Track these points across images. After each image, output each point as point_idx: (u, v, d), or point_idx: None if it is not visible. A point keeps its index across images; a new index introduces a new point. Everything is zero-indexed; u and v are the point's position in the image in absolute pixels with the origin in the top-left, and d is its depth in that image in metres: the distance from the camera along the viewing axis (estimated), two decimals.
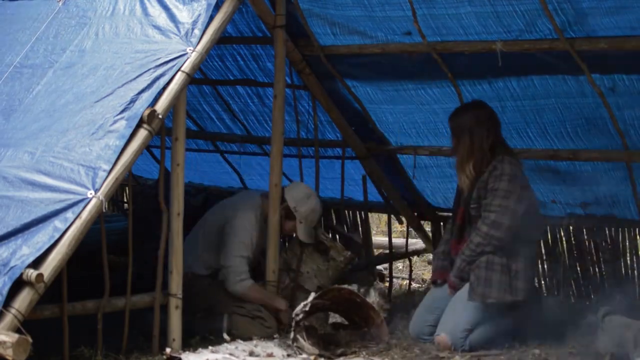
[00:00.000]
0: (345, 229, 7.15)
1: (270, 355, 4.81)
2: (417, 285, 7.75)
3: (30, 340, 3.89)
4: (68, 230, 4.20)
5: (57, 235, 4.17)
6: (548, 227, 6.30)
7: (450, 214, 5.70)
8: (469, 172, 5.16)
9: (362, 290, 5.63)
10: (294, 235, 5.80)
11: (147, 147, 5.74)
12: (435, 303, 5.32)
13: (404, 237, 7.75)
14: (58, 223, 4.20)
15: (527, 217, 5.05)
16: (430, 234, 7.34)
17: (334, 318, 5.57)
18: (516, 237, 5.03)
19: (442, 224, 7.00)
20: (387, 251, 7.36)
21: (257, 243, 5.60)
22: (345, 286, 5.33)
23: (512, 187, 5.01)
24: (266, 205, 5.65)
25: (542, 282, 6.56)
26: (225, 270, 5.49)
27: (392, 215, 7.35)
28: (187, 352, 4.71)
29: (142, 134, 4.54)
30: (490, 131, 5.18)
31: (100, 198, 4.30)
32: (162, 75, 4.70)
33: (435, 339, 5.13)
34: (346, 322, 5.45)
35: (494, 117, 5.27)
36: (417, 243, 7.96)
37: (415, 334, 5.34)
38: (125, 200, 8.98)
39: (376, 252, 7.87)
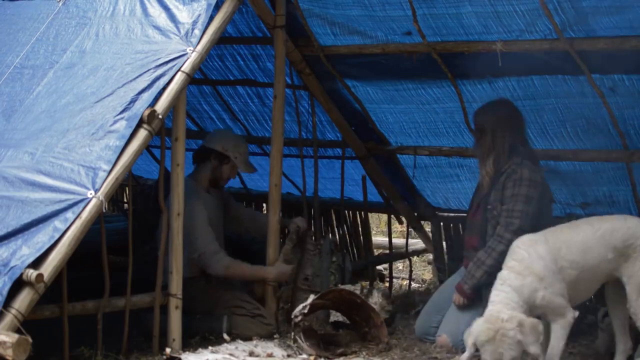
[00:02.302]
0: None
1: (270, 355, 4.81)
2: (417, 285, 7.75)
3: (30, 340, 3.89)
4: (68, 230, 4.20)
5: (57, 236, 4.17)
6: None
7: (450, 214, 5.74)
8: (489, 169, 5.17)
9: (365, 290, 5.62)
10: (290, 243, 5.77)
11: (147, 147, 5.74)
12: (443, 304, 5.29)
13: (404, 237, 7.76)
14: (58, 223, 4.21)
15: (543, 219, 5.00)
16: (430, 234, 7.33)
17: (336, 317, 5.57)
18: None
19: (442, 224, 7.00)
20: (387, 251, 7.37)
21: (213, 217, 5.60)
22: (347, 287, 5.33)
23: (533, 193, 4.98)
24: (199, 179, 5.67)
25: None
26: (201, 258, 5.43)
27: (392, 215, 7.36)
28: (187, 352, 4.72)
29: (142, 134, 4.54)
30: (511, 130, 5.18)
31: (100, 198, 4.30)
32: (162, 75, 4.70)
33: (436, 340, 5.13)
34: (347, 322, 5.45)
35: (517, 116, 5.27)
36: (417, 243, 7.97)
37: (421, 334, 5.32)
38: (125, 200, 8.98)
39: (376, 252, 7.88)
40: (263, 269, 5.58)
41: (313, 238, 5.91)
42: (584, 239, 4.34)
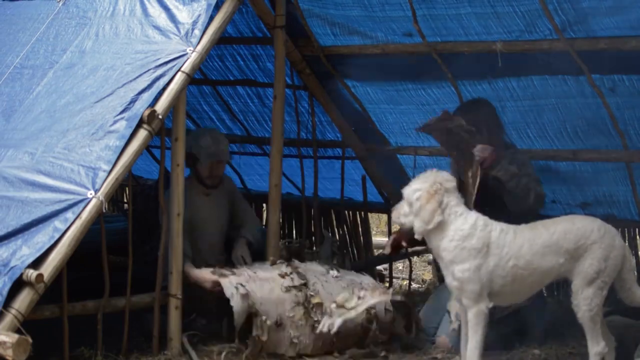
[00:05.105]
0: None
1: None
2: (417, 285, 7.75)
3: (30, 340, 3.89)
4: (68, 231, 4.20)
5: (57, 236, 4.17)
6: None
7: None
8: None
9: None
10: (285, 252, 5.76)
11: (147, 147, 5.74)
12: (442, 304, 5.29)
13: None
14: (58, 223, 4.21)
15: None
16: None
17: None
18: None
19: None
20: None
21: (206, 218, 5.55)
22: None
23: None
24: (191, 182, 5.51)
25: None
26: None
27: None
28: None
29: (142, 134, 4.54)
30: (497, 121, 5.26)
31: (100, 198, 4.30)
32: (162, 75, 4.70)
33: (436, 340, 5.13)
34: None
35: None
36: None
37: None
38: (125, 200, 8.98)
39: (376, 252, 7.88)
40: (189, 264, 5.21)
41: (314, 238, 5.91)
42: (543, 243, 4.32)
